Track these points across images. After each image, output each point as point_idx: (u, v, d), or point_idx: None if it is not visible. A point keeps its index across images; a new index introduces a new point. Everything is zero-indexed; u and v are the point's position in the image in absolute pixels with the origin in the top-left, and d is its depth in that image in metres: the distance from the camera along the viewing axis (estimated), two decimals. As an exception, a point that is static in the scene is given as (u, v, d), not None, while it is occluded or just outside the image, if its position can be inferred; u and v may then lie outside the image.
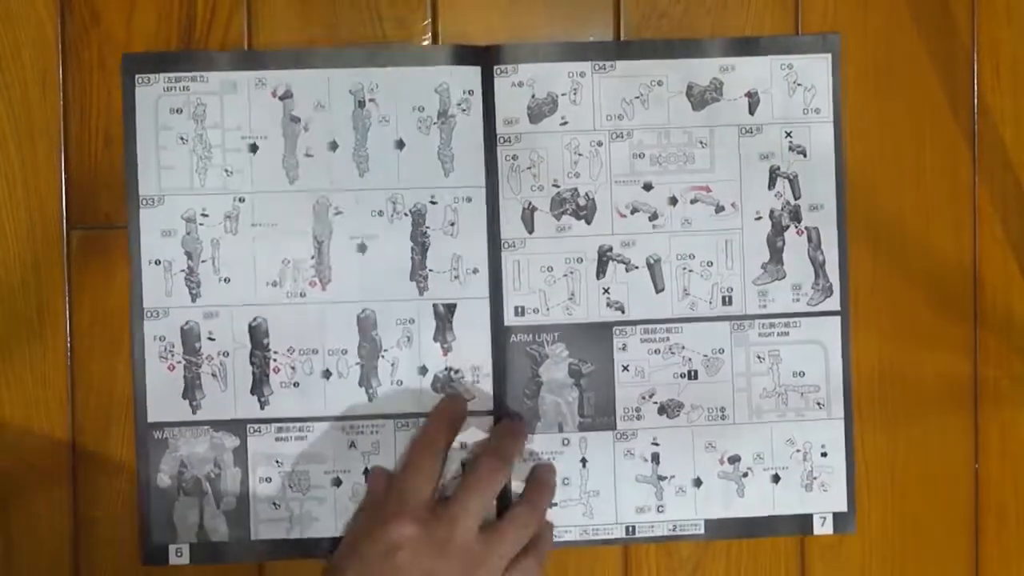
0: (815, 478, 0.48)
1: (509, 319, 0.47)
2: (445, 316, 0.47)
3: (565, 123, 0.48)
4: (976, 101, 0.50)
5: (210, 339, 0.47)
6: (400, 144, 0.47)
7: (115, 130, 0.48)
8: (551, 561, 0.48)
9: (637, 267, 0.48)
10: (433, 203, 0.47)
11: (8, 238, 0.47)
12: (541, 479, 0.47)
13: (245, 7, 0.48)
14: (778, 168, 0.48)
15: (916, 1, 0.49)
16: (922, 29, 0.49)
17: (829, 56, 0.48)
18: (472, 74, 0.47)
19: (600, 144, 0.48)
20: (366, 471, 0.47)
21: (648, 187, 0.48)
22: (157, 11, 0.48)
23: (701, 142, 0.48)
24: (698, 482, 0.48)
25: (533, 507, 0.44)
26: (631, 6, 0.49)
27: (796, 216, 0.48)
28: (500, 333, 0.47)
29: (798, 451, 0.48)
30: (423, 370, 0.47)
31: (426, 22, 0.48)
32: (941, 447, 0.49)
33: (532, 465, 0.47)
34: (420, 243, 0.47)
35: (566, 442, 0.48)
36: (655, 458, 0.48)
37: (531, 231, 0.48)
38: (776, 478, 0.48)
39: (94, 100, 0.48)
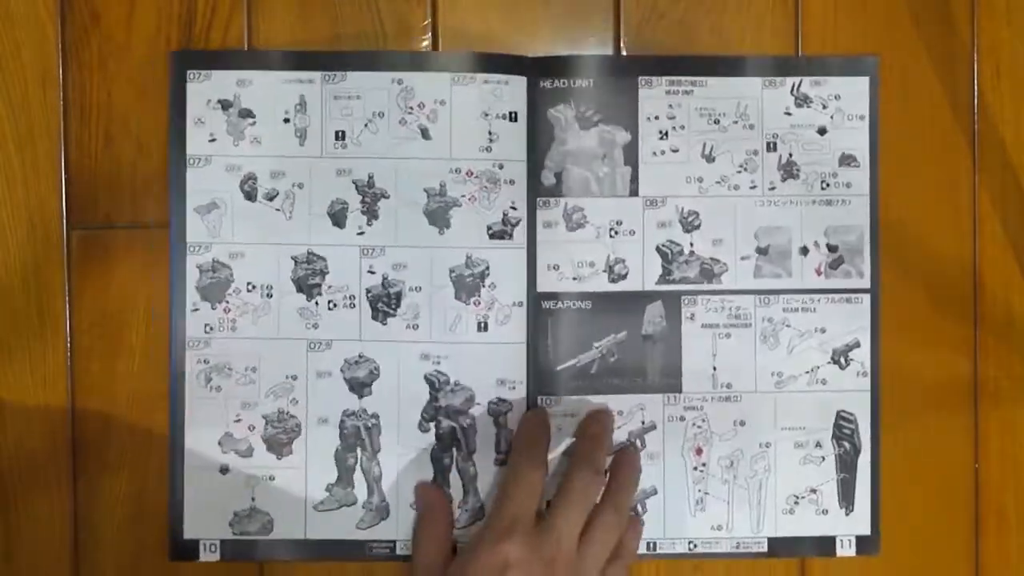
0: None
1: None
2: None
3: None
4: (976, 101, 0.50)
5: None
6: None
7: (115, 130, 0.48)
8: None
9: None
10: None
11: (8, 238, 0.47)
12: (623, 476, 0.45)
13: (245, 7, 0.48)
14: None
15: (916, 1, 0.49)
16: (922, 29, 0.49)
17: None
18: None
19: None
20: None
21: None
22: (157, 11, 0.48)
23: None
24: None
25: (616, 508, 0.43)
26: (631, 6, 0.49)
27: None
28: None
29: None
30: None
31: (426, 22, 0.48)
32: (941, 447, 0.49)
33: (615, 453, 0.46)
34: None
35: None
36: None
37: None
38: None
39: (94, 100, 0.48)
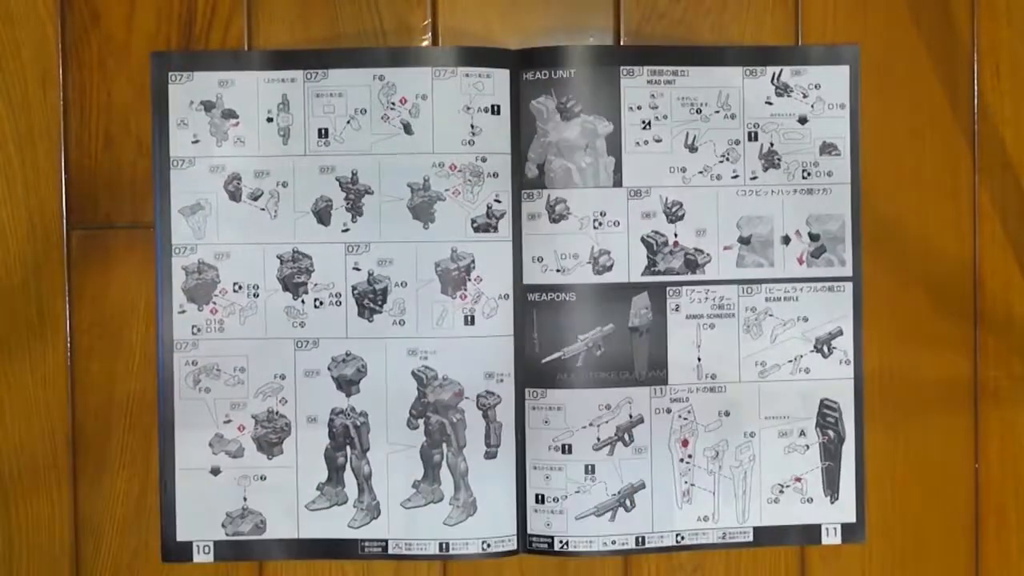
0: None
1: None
2: None
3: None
4: (976, 101, 0.50)
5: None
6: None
7: (115, 130, 0.48)
8: (552, 564, 0.48)
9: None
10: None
11: (8, 238, 0.47)
12: None
13: (245, 7, 0.48)
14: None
15: (916, 2, 0.49)
16: (922, 30, 0.49)
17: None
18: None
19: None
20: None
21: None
22: (157, 11, 0.48)
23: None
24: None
25: None
26: (631, 6, 0.49)
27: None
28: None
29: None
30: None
31: (426, 22, 0.48)
32: (941, 447, 0.49)
33: None
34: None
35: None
36: None
37: None
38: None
39: (94, 100, 0.48)
